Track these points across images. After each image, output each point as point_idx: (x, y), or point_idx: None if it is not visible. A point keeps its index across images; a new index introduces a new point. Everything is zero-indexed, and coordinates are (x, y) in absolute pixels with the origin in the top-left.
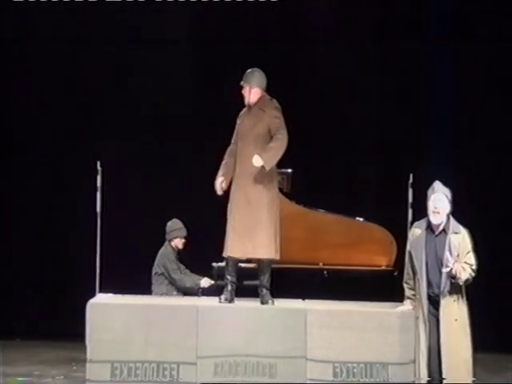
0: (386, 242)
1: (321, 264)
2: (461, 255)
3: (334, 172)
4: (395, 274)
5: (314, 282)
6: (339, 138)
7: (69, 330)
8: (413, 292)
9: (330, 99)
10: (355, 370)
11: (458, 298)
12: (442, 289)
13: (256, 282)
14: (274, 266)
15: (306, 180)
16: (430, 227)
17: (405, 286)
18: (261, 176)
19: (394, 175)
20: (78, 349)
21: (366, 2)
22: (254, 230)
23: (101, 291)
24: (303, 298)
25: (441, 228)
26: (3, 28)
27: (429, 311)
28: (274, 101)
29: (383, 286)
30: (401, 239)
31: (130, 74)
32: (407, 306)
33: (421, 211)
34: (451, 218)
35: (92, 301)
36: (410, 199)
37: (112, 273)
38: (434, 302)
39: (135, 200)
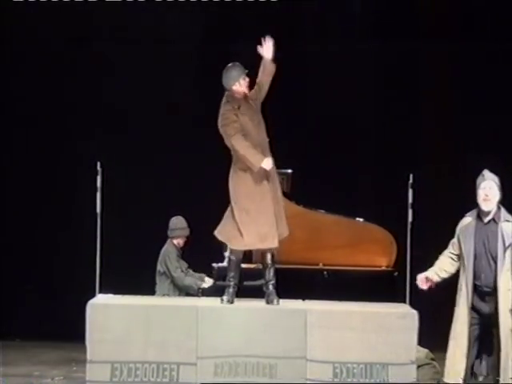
0: (386, 243)
1: (321, 264)
2: None
3: (334, 172)
4: (395, 274)
5: (314, 283)
6: (339, 138)
7: (69, 331)
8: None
9: (330, 99)
10: (355, 371)
11: None
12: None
13: (256, 283)
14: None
15: (305, 180)
16: (479, 216)
17: (439, 259)
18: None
19: (394, 175)
20: (77, 349)
21: (366, 1)
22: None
23: (101, 292)
24: (303, 299)
25: (490, 216)
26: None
27: (472, 304)
28: None
29: (383, 287)
30: (401, 239)
31: (131, 74)
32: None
33: (421, 211)
34: (502, 208)
35: (92, 301)
36: (410, 199)
37: (112, 273)
38: (480, 293)
39: (135, 200)
